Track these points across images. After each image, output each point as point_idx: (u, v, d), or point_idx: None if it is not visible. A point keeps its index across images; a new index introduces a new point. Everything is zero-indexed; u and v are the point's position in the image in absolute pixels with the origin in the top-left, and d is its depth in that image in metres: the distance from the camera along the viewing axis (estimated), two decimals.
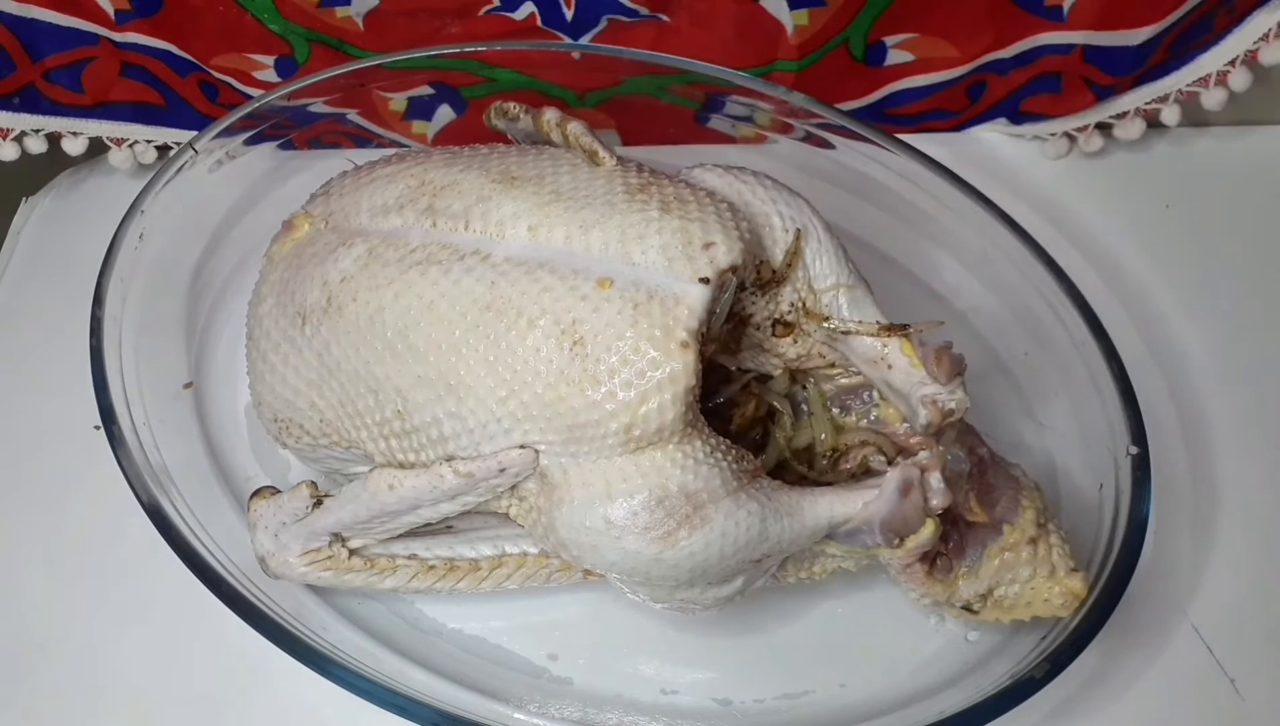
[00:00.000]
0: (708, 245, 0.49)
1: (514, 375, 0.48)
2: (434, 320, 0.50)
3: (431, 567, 0.55)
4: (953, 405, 0.51)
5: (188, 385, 0.66)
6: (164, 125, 0.77)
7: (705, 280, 0.48)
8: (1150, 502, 0.53)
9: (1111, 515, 0.55)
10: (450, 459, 0.51)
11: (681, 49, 0.70)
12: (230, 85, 0.75)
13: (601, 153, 0.54)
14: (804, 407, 0.56)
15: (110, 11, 0.71)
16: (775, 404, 0.55)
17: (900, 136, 0.66)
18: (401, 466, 0.52)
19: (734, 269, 0.49)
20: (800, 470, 0.55)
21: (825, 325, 0.53)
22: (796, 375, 0.56)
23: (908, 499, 0.50)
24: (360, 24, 0.71)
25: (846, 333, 0.53)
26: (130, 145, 0.77)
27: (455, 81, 0.74)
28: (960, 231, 0.65)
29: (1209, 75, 0.71)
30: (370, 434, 0.53)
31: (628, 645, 0.58)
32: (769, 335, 0.54)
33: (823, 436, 0.55)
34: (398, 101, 0.76)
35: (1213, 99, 0.72)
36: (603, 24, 0.71)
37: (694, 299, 0.48)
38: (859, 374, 0.54)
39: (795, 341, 0.54)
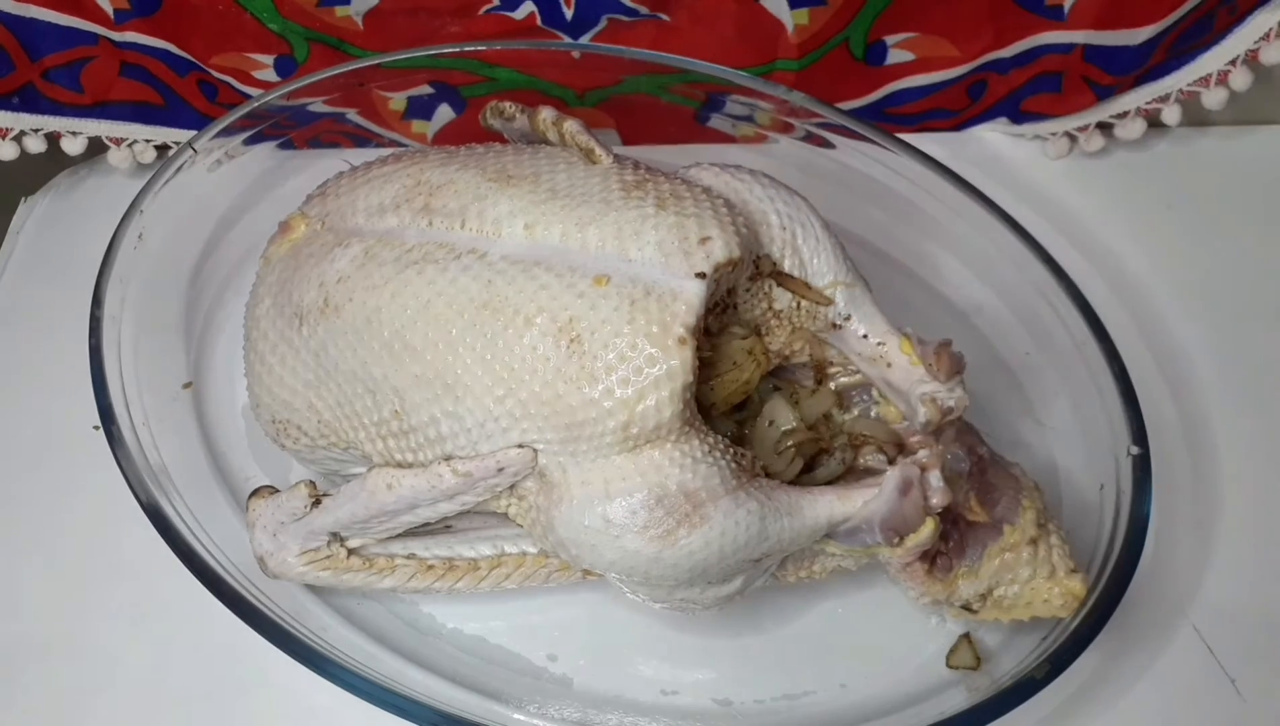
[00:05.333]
0: (704, 240, 0.49)
1: (511, 373, 0.48)
2: (430, 319, 0.50)
3: (430, 567, 0.55)
4: (952, 403, 0.51)
5: (187, 385, 0.66)
6: (163, 125, 0.77)
7: (702, 275, 0.48)
8: (1151, 503, 0.53)
9: (1112, 515, 0.54)
10: (448, 458, 0.51)
11: (682, 48, 0.70)
12: (229, 85, 0.75)
13: (598, 150, 0.54)
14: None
15: (109, 11, 0.71)
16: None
17: (901, 136, 0.66)
18: (400, 466, 0.52)
19: (731, 263, 0.49)
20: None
21: (821, 321, 0.53)
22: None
23: (907, 497, 0.50)
24: (360, 23, 0.71)
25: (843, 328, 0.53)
26: (129, 145, 0.77)
27: (455, 81, 0.74)
28: (961, 231, 0.65)
29: (1210, 75, 0.71)
30: (368, 434, 0.53)
31: (627, 645, 0.58)
32: (766, 332, 0.54)
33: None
34: (397, 101, 0.76)
35: (1214, 99, 0.72)
36: (603, 23, 0.71)
37: (691, 295, 0.48)
38: (858, 372, 0.54)
39: (789, 332, 0.54)
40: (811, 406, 0.54)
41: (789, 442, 0.52)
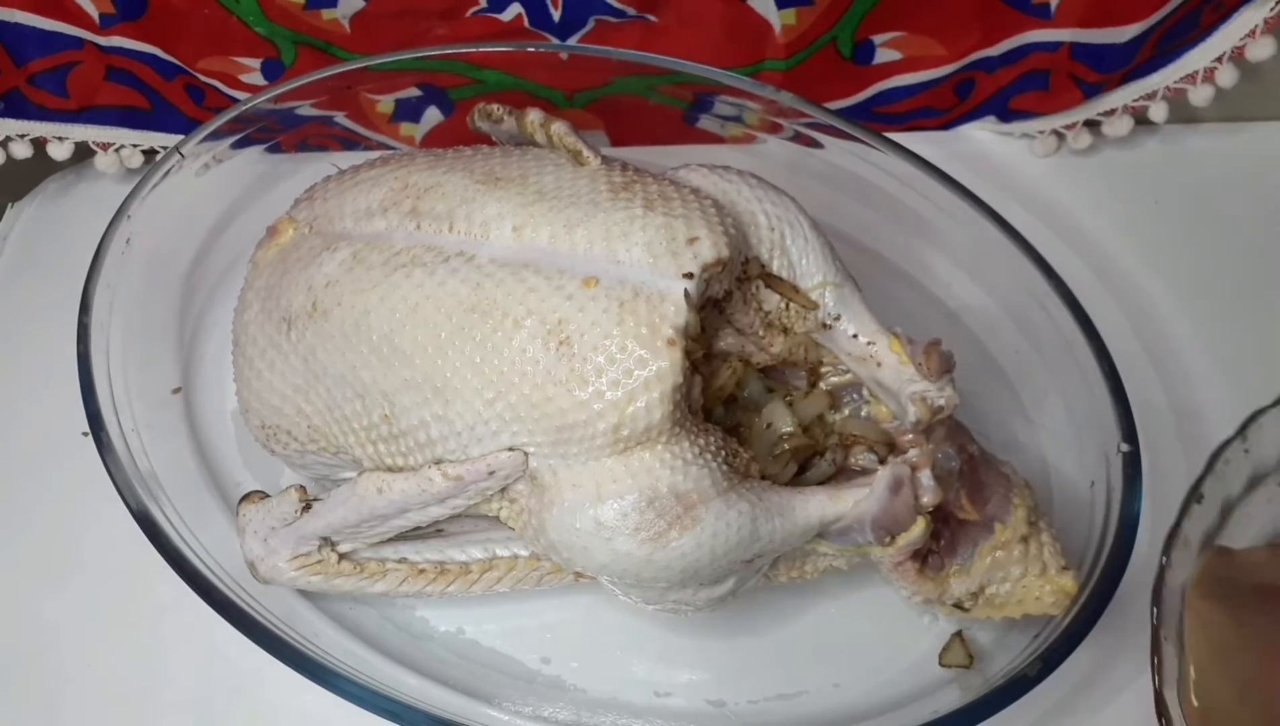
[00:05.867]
0: (692, 240, 0.49)
1: (500, 376, 0.48)
2: (419, 323, 0.50)
3: (421, 571, 0.55)
4: (942, 402, 0.51)
5: (176, 390, 0.66)
6: (150, 129, 0.77)
7: (690, 275, 0.48)
8: (1142, 500, 0.53)
9: (1103, 513, 0.54)
10: (439, 462, 0.50)
11: (669, 49, 0.70)
12: (217, 89, 0.75)
13: (585, 152, 0.54)
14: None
15: (95, 15, 0.70)
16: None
17: (889, 135, 0.66)
18: (390, 470, 0.52)
19: (719, 263, 0.49)
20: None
21: (811, 321, 0.53)
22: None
23: (898, 496, 0.50)
24: (347, 26, 0.71)
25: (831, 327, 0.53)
26: (116, 150, 0.77)
27: (443, 83, 0.74)
28: (950, 230, 0.65)
29: (1196, 72, 0.71)
30: (358, 438, 0.53)
31: (620, 647, 0.58)
32: (757, 334, 0.54)
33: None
34: (385, 104, 0.76)
35: (1200, 95, 0.72)
36: (590, 25, 0.71)
37: (679, 295, 0.48)
38: (848, 371, 0.54)
39: (783, 338, 0.54)
40: (806, 409, 0.54)
41: (785, 446, 0.53)
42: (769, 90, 0.67)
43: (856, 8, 0.70)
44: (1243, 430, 0.51)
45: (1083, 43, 0.71)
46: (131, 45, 0.72)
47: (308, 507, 0.54)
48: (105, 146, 0.76)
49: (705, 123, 0.72)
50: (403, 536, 0.55)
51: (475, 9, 0.70)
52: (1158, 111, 0.74)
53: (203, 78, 0.74)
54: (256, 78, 0.74)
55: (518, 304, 0.48)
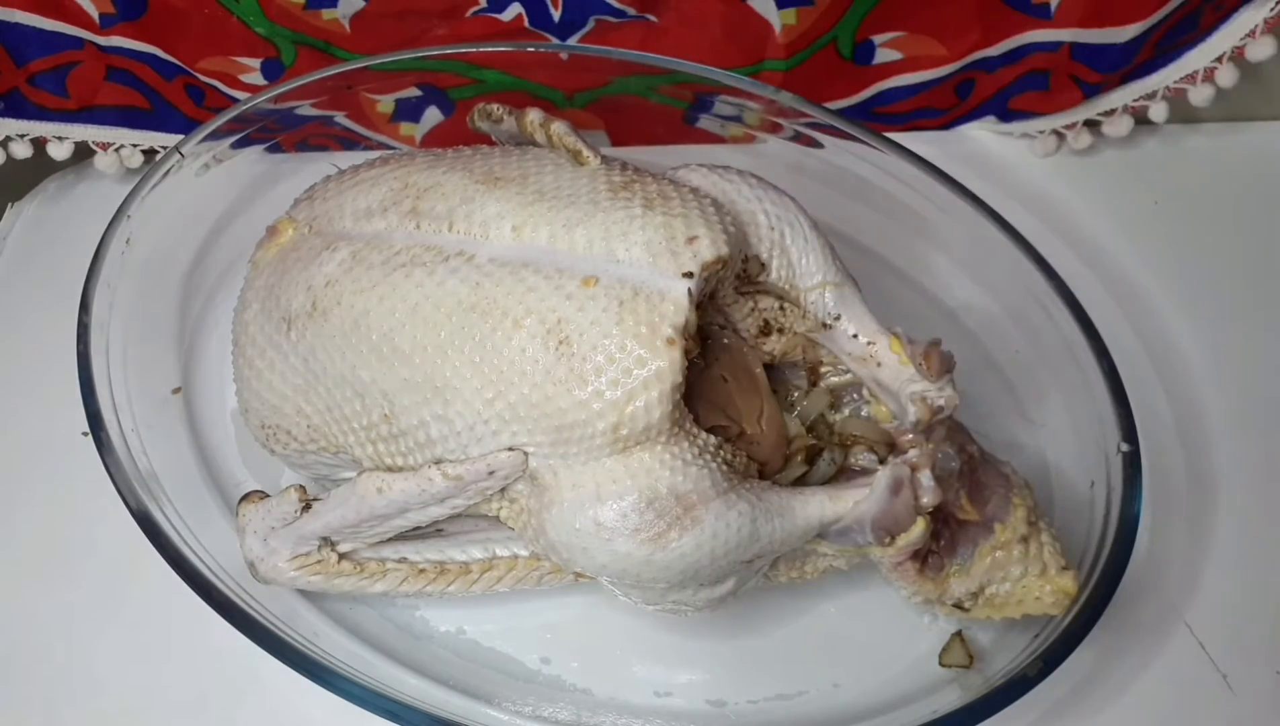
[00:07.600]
0: (691, 239, 0.49)
1: (500, 376, 0.48)
2: (419, 322, 0.50)
3: (421, 571, 0.55)
4: (942, 402, 0.51)
5: (176, 390, 0.66)
6: (150, 129, 0.77)
7: (689, 274, 0.48)
8: (1142, 500, 0.53)
9: (1103, 513, 0.54)
10: (439, 462, 0.50)
11: (669, 49, 0.70)
12: (216, 88, 0.75)
13: (585, 152, 0.54)
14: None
15: (95, 15, 0.70)
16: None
17: (889, 135, 0.66)
18: (390, 470, 0.52)
19: (719, 262, 0.49)
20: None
21: (810, 321, 0.53)
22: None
23: (898, 497, 0.50)
24: (347, 26, 0.71)
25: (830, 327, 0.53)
26: (116, 149, 0.77)
27: (443, 83, 0.74)
28: (950, 230, 0.65)
29: (1196, 72, 0.71)
30: (358, 438, 0.53)
31: (620, 647, 0.58)
32: (754, 334, 0.54)
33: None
34: (385, 103, 0.76)
35: (1200, 95, 0.72)
36: (590, 24, 0.71)
37: (679, 294, 0.48)
38: (848, 372, 0.54)
39: (780, 338, 0.54)
40: (808, 408, 0.54)
41: (793, 447, 0.52)
42: (769, 90, 0.67)
43: (856, 8, 0.70)
44: None
45: (1082, 43, 0.71)
46: (131, 45, 0.72)
47: (308, 507, 0.54)
48: (105, 146, 0.76)
49: (705, 123, 0.72)
50: (403, 536, 0.55)
51: (475, 9, 0.70)
52: (1158, 111, 0.74)
53: (203, 78, 0.74)
54: (256, 78, 0.74)
55: (517, 303, 0.48)
